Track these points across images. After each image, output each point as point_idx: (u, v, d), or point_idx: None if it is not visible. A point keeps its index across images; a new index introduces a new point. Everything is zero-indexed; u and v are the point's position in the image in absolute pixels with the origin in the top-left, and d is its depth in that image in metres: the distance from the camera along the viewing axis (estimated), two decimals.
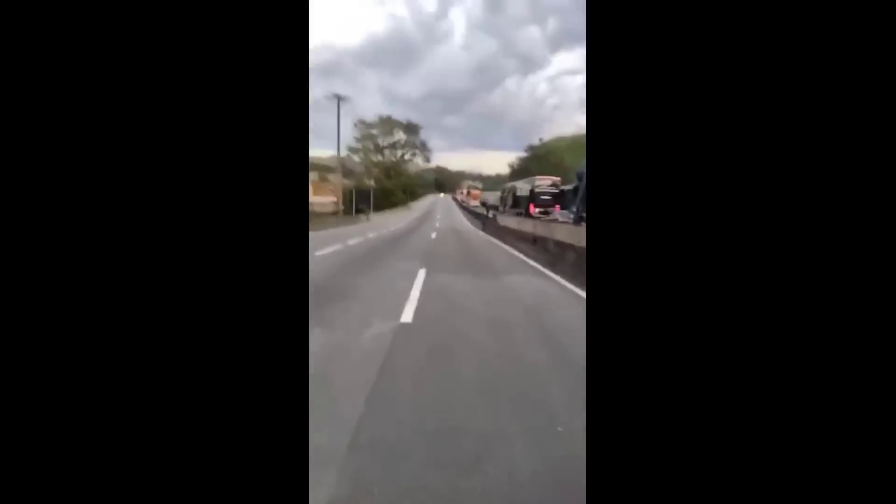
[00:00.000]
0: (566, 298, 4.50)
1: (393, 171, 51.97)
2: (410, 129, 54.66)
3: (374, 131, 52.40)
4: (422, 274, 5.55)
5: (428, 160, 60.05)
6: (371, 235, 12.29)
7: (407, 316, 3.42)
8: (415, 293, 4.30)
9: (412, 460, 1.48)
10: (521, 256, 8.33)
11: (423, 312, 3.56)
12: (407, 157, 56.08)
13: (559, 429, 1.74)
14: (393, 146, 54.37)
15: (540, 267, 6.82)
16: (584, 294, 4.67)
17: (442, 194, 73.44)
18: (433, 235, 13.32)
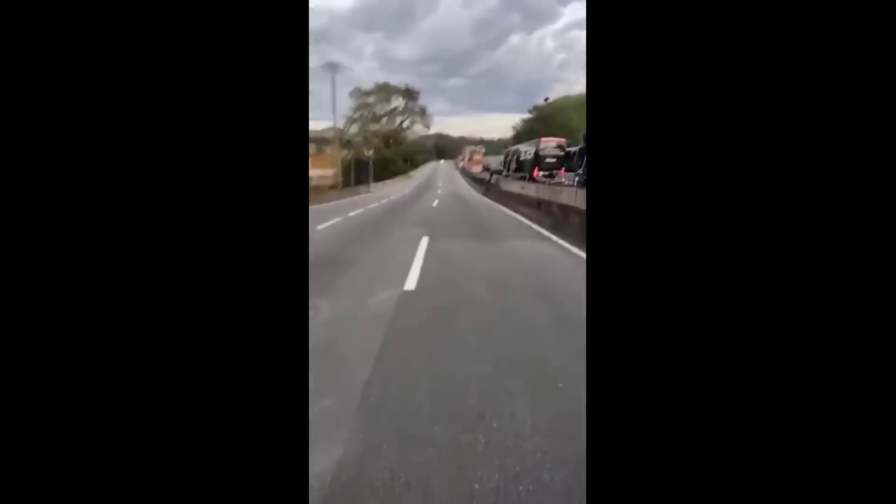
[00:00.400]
0: (569, 261, 4.50)
1: (392, 140, 50.79)
2: (409, 94, 52.81)
3: (371, 99, 50.74)
4: (424, 242, 5.55)
5: (428, 127, 58.44)
6: (372, 206, 12.22)
7: (410, 283, 3.46)
8: (417, 261, 4.32)
9: (419, 414, 1.54)
10: (525, 221, 8.28)
11: (427, 280, 3.59)
12: (406, 124, 54.62)
13: (559, 385, 1.79)
14: (391, 114, 52.82)
15: (544, 231, 6.79)
16: (584, 255, 4.67)
17: (443, 161, 71.88)
18: (435, 203, 13.22)
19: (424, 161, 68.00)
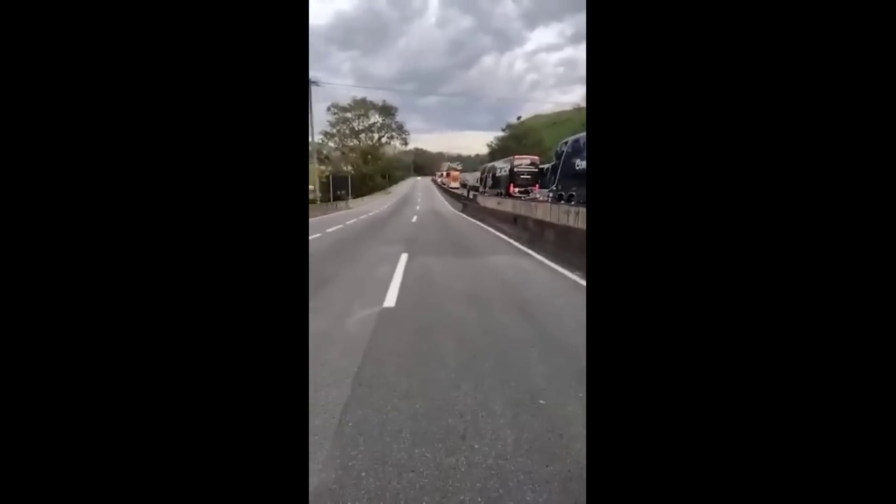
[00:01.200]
0: (546, 275, 4.58)
1: (370, 156, 50.79)
2: (386, 111, 53.19)
3: (349, 115, 50.78)
4: (403, 258, 5.52)
5: (406, 143, 58.79)
6: (350, 222, 12.09)
7: (390, 300, 3.42)
8: (397, 278, 4.28)
9: (399, 438, 1.50)
10: (502, 236, 8.39)
11: (406, 296, 3.56)
12: (384, 140, 54.84)
13: (541, 402, 1.79)
14: (369, 129, 52.92)
15: (520, 246, 6.90)
16: (562, 270, 4.77)
17: (420, 177, 72.25)
18: (413, 219, 13.22)
19: (403, 177, 68.25)
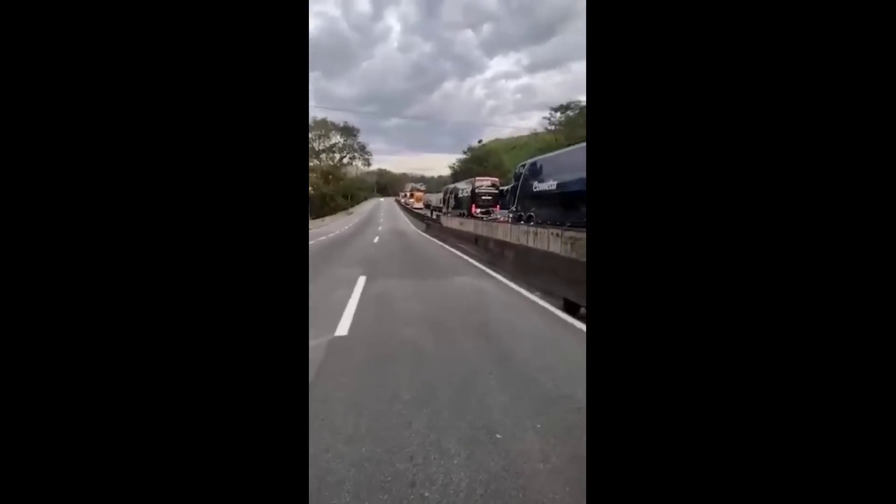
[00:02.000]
0: (506, 297, 4.57)
1: (332, 176, 49.99)
2: (348, 132, 52.94)
3: (310, 135, 50.03)
4: (361, 281, 5.32)
5: (368, 163, 58.56)
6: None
7: (342, 328, 3.22)
8: (352, 303, 4.09)
9: (341, 490, 1.33)
10: (464, 257, 8.40)
11: (361, 323, 3.38)
12: (346, 160, 54.30)
13: (497, 436, 1.70)
14: (330, 150, 52.28)
15: (481, 266, 6.91)
16: (523, 291, 4.79)
17: (382, 198, 71.75)
18: (375, 240, 12.98)
19: (366, 197, 67.57)
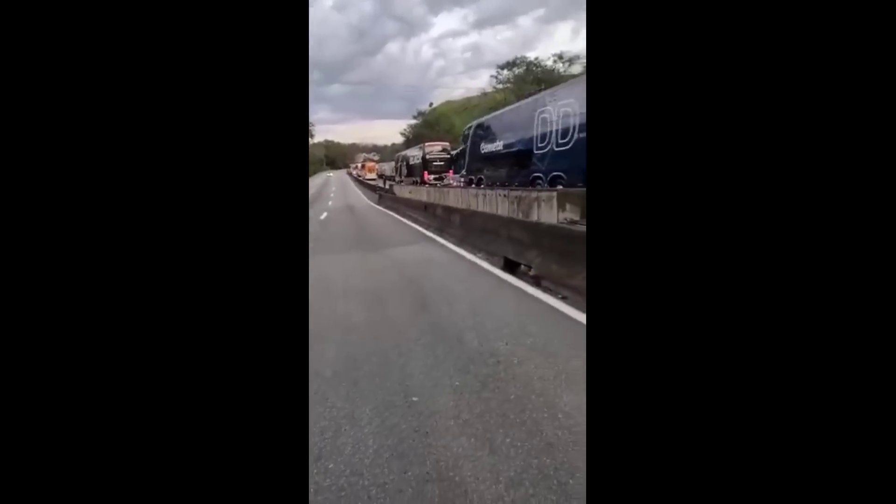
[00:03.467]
0: (450, 262, 4.60)
1: None
2: None
3: None
4: None
5: (312, 135, 55.16)
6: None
7: None
8: None
9: None
10: (413, 226, 8.32)
11: None
12: None
13: (414, 399, 1.72)
14: None
15: (430, 234, 6.88)
16: (467, 255, 4.84)
17: (331, 173, 66.86)
18: (322, 216, 12.48)
19: (314, 172, 64.04)
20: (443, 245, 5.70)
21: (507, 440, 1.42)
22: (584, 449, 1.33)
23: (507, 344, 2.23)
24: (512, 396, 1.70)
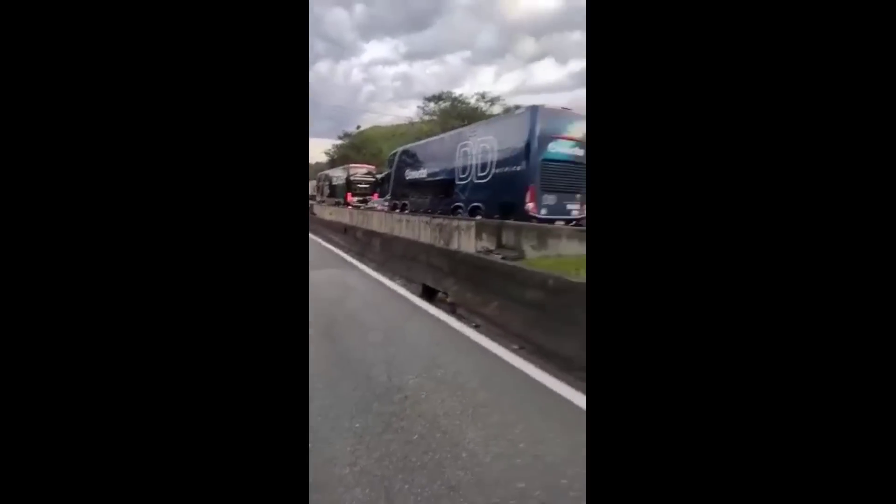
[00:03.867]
0: (364, 287, 4.42)
1: None
2: None
3: None
4: None
5: None
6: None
7: None
8: None
9: None
10: (333, 249, 7.93)
11: None
12: None
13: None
14: None
15: (349, 258, 6.60)
16: (385, 281, 4.70)
17: None
18: None
19: None
20: (361, 270, 5.49)
21: (406, 486, 1.32)
22: (486, 489, 1.30)
23: (416, 377, 2.15)
24: (415, 437, 1.60)
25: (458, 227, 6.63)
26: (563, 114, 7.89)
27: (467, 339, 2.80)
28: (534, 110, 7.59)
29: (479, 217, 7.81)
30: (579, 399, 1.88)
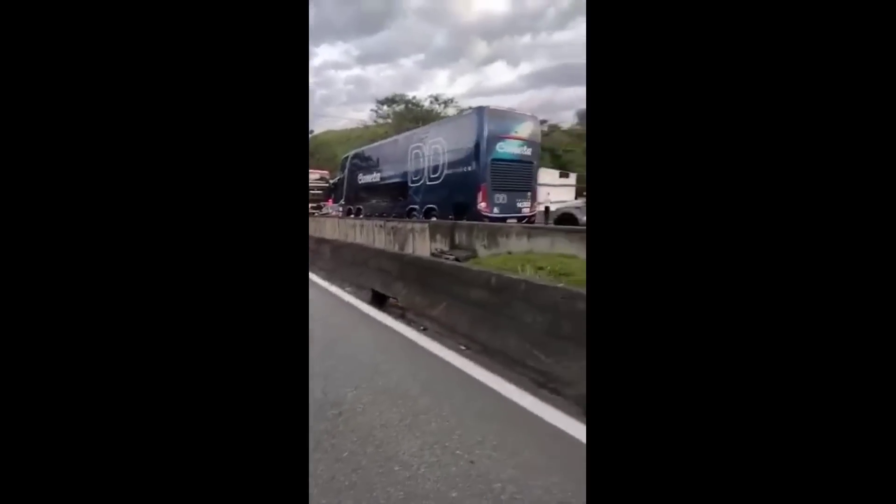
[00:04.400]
0: (312, 298, 4.21)
1: None
2: None
3: None
4: None
5: None
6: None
7: None
8: None
9: None
10: None
11: None
12: None
13: None
14: None
15: None
16: (333, 289, 4.52)
17: None
18: None
19: None
20: (310, 280, 5.24)
21: None
22: (416, 503, 1.23)
23: (355, 389, 2.04)
24: (345, 454, 1.50)
25: (412, 230, 6.55)
26: (509, 114, 8.07)
27: (413, 343, 2.72)
28: (480, 111, 7.69)
29: (433, 219, 7.78)
30: (518, 396, 1.87)
